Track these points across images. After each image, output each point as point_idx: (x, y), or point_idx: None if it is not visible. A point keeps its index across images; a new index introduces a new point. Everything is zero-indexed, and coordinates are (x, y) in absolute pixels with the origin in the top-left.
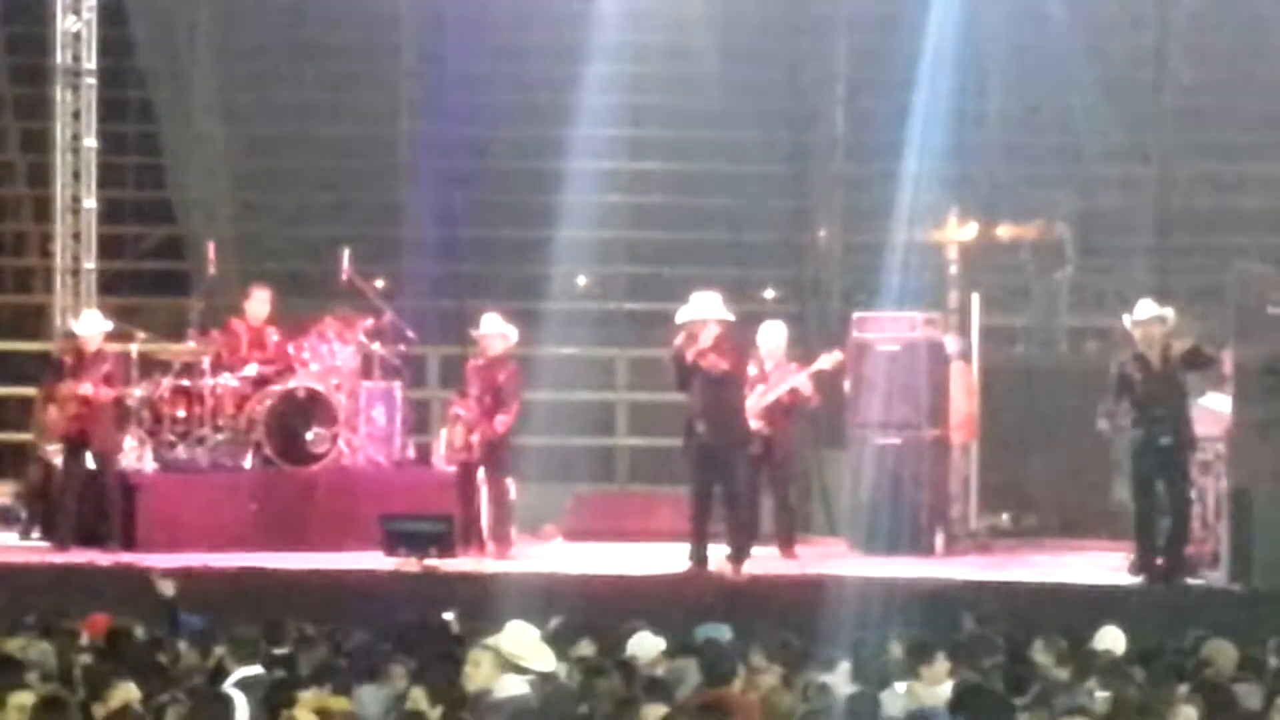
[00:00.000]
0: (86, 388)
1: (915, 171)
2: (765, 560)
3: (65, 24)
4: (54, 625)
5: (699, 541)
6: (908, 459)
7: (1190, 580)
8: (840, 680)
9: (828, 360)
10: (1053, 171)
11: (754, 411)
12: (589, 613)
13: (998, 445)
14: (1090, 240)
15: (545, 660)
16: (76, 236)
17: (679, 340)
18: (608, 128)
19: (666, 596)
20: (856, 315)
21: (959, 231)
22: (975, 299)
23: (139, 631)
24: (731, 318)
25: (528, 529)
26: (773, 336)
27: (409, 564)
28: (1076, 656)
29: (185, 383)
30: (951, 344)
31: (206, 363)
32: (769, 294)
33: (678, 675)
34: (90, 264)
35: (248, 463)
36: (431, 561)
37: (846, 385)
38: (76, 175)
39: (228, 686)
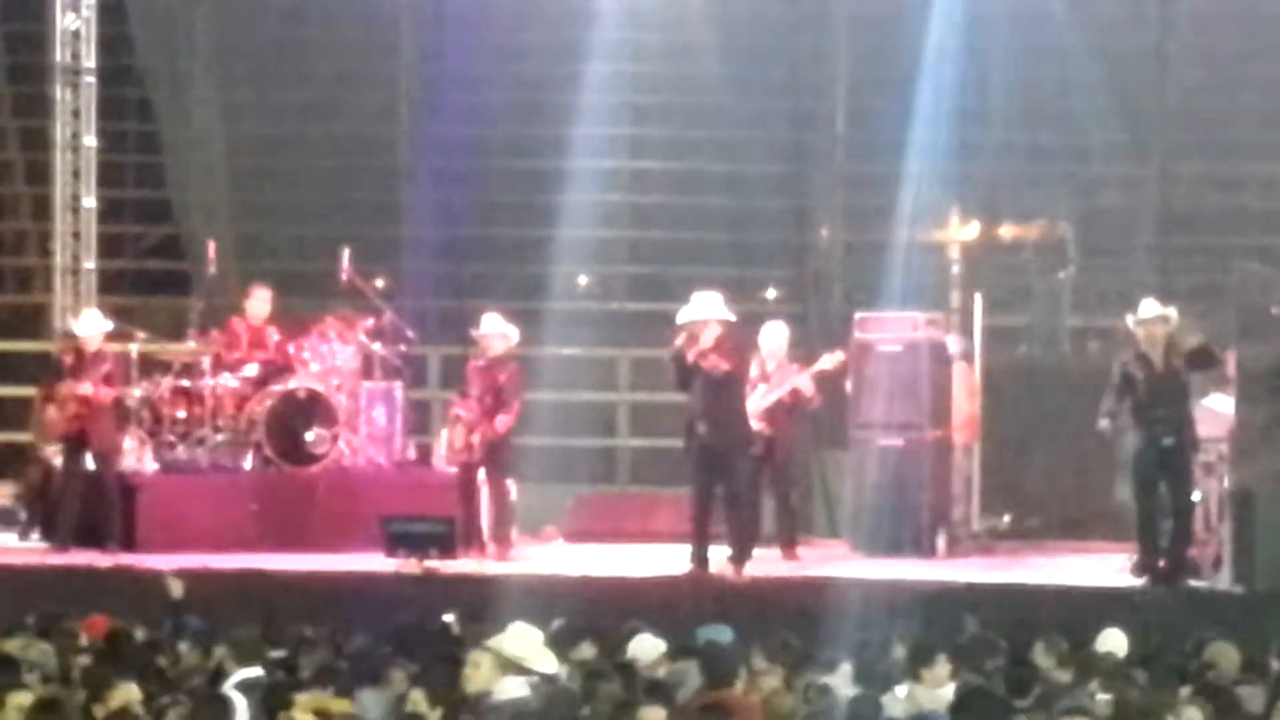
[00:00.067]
0: (86, 388)
1: (917, 171)
2: (767, 562)
3: (65, 22)
4: (53, 626)
5: (700, 543)
6: (910, 460)
7: (1193, 582)
8: (842, 682)
9: (829, 360)
10: (1055, 171)
11: (755, 412)
12: (590, 614)
13: (1000, 446)
14: (1092, 240)
15: (548, 662)
16: (76, 235)
17: (680, 341)
18: (608, 127)
19: (667, 598)
20: (858, 315)
21: (961, 231)
22: (977, 299)
23: (139, 633)
24: (733, 318)
25: (529, 530)
26: (774, 337)
27: (409, 565)
28: (1078, 659)
29: (185, 383)
30: (954, 344)
31: (206, 363)
32: (770, 294)
33: (678, 677)
34: (90, 263)
35: (248, 463)
36: (432, 563)
37: (848, 386)
38: (76, 174)
39: (227, 688)
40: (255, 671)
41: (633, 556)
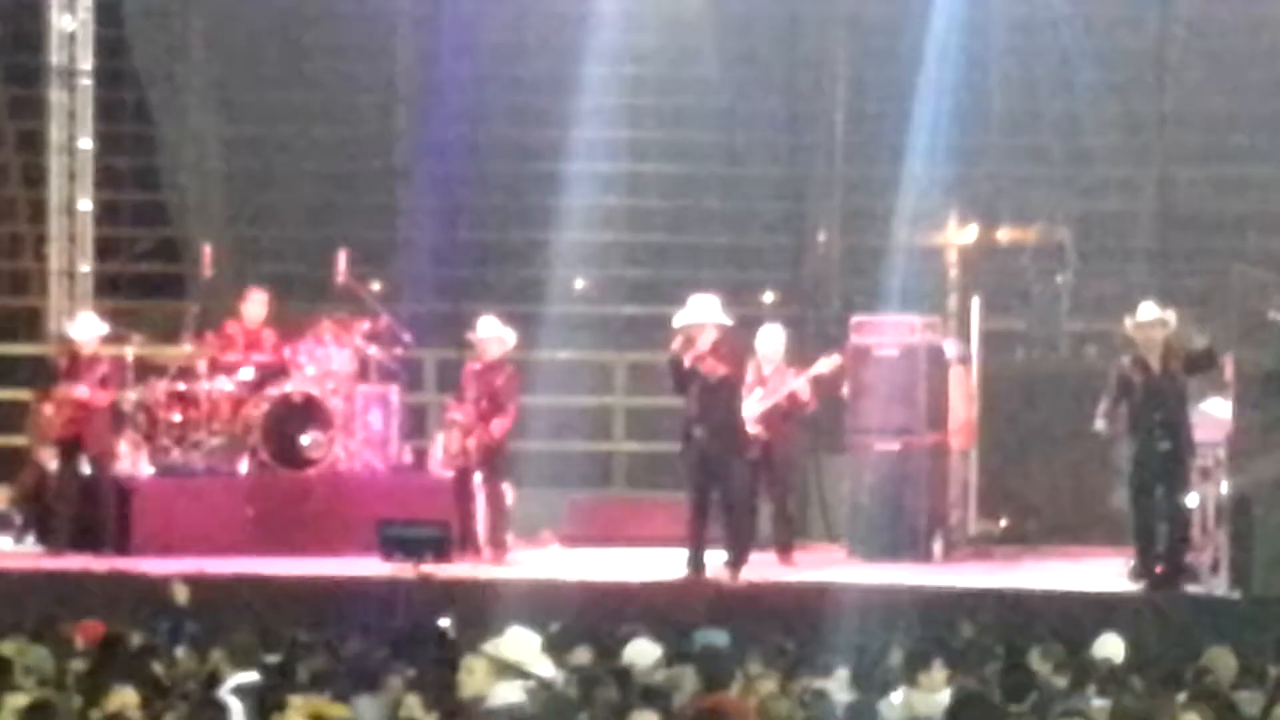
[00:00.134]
0: (82, 391)
1: (915, 174)
2: (763, 566)
3: (60, 24)
4: (48, 630)
5: (696, 547)
6: (906, 464)
7: (1190, 587)
8: (837, 687)
9: (826, 364)
10: (1053, 174)
11: (752, 416)
12: (586, 618)
13: (997, 450)
14: (1091, 244)
15: (545, 666)
16: (72, 238)
17: (676, 344)
18: (606, 129)
19: (664, 603)
20: (855, 319)
21: (959, 235)
22: (975, 303)
23: (135, 638)
24: (730, 322)
25: (525, 534)
26: (771, 341)
27: (405, 569)
28: (1075, 664)
29: (181, 386)
30: (951, 348)
31: (202, 366)
32: (768, 297)
33: (674, 682)
34: (85, 266)
35: (243, 467)
36: (428, 567)
37: (845, 390)
38: (72, 177)
39: (223, 692)
40: (251, 676)
41: (629, 561)
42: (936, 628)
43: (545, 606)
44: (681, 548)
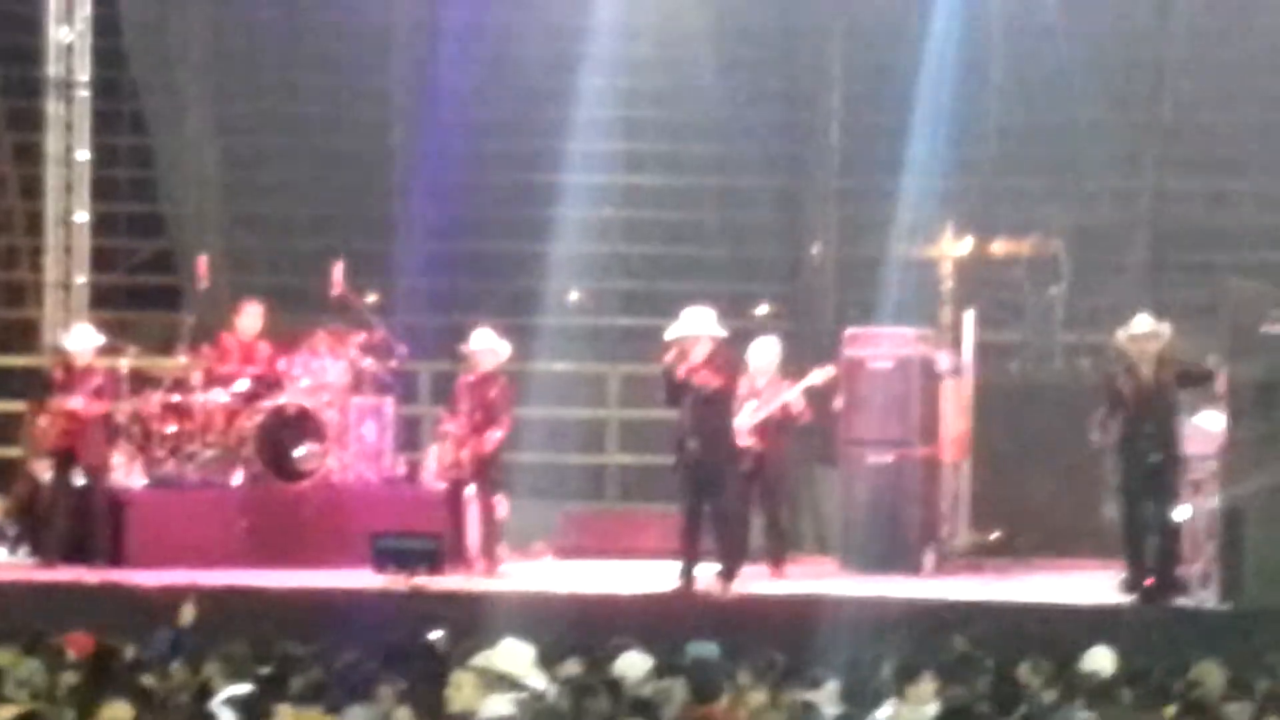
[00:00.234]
0: (76, 402)
1: (910, 187)
2: (755, 579)
3: (57, 35)
4: (41, 642)
5: (689, 559)
6: (899, 477)
7: (1181, 600)
8: (827, 699)
9: (819, 375)
10: (1048, 187)
11: (746, 429)
12: (578, 631)
13: (991, 463)
14: (1085, 256)
15: (538, 678)
16: (68, 250)
17: (670, 356)
18: (601, 141)
19: (656, 615)
20: (849, 331)
21: (953, 247)
22: (969, 315)
23: (129, 650)
24: (723, 334)
25: (518, 546)
26: (765, 353)
27: (398, 581)
28: (1064, 677)
29: (175, 398)
30: (945, 360)
31: (197, 378)
32: (762, 309)
33: (665, 694)
34: (81, 278)
35: (237, 479)
36: (420, 579)
37: (838, 402)
38: (68, 188)
39: (215, 705)
40: (244, 688)
41: (621, 573)
42: (927, 640)
43: (538, 619)
44: (674, 560)
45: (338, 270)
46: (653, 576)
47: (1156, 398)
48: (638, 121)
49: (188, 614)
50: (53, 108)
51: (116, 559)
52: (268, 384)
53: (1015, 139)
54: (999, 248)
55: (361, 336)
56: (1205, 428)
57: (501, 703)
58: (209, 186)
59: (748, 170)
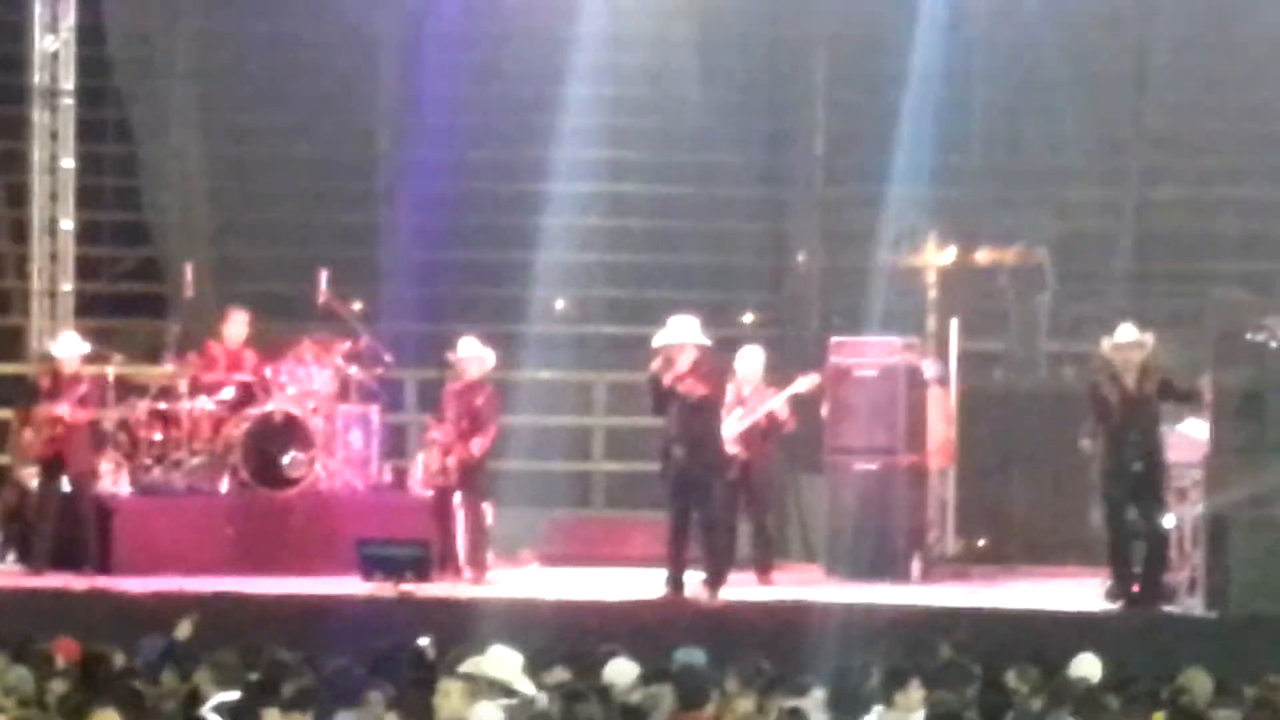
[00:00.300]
0: (63, 410)
1: (894, 195)
2: (741, 586)
3: (43, 44)
4: (29, 650)
5: (675, 567)
6: (885, 484)
7: (1167, 608)
8: (814, 706)
9: (805, 383)
10: (1032, 196)
11: (731, 436)
12: (565, 638)
13: (976, 471)
14: (1070, 265)
15: (526, 685)
16: (53, 258)
17: (656, 364)
18: (587, 150)
19: (643, 622)
20: (834, 340)
21: (938, 256)
22: (953, 324)
23: (118, 658)
24: (709, 342)
25: (504, 554)
26: (750, 361)
27: (385, 589)
28: (1051, 684)
29: (162, 405)
30: (929, 369)
31: (183, 385)
32: (747, 318)
33: (652, 701)
34: (67, 286)
35: (224, 486)
36: (407, 586)
37: (824, 410)
38: (54, 196)
39: (205, 712)
40: (233, 696)
41: (608, 580)
42: (914, 647)
43: (524, 626)
44: (660, 567)
45: (323, 278)
46: (639, 584)
47: (1140, 407)
48: (624, 130)
49: (185, 628)
50: (38, 116)
51: (104, 566)
52: (254, 392)
53: (999, 148)
54: (983, 256)
55: (347, 344)
56: (1190, 436)
57: (490, 709)
58: (195, 195)
59: (733, 179)
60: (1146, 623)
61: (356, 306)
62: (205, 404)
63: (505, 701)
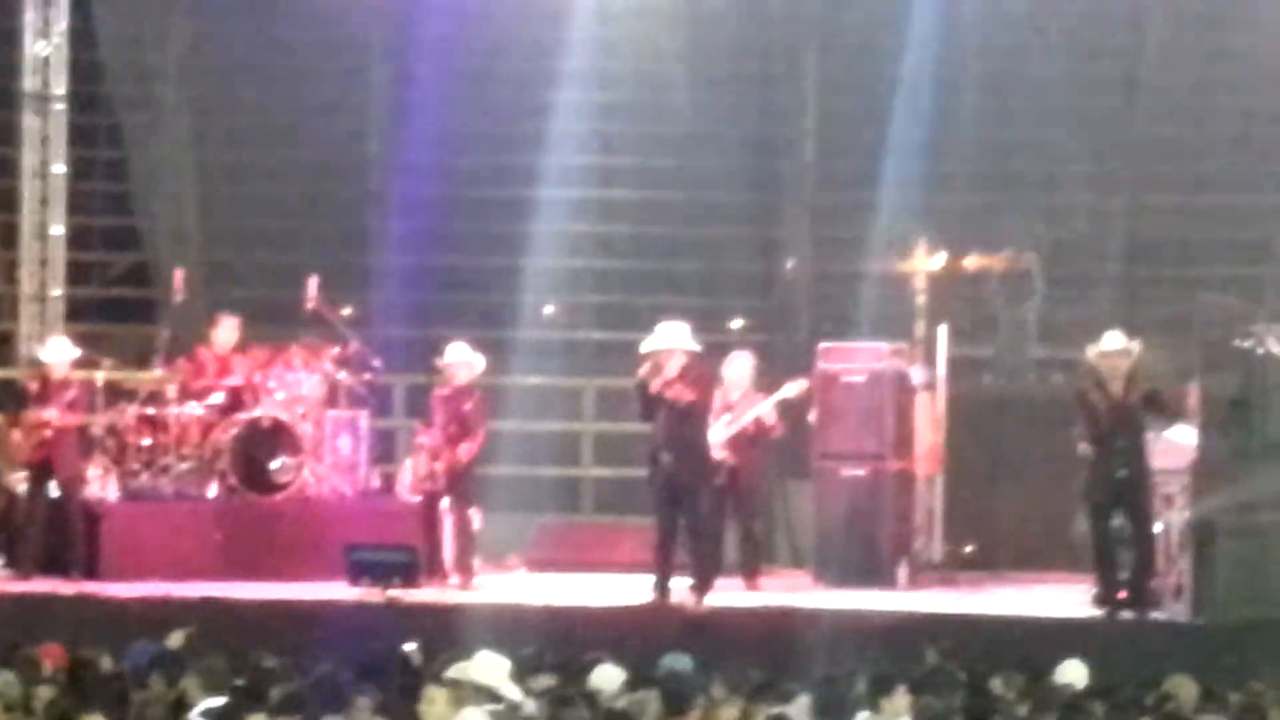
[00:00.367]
0: (51, 414)
1: (884, 201)
2: (728, 592)
3: (34, 49)
4: (16, 655)
5: (663, 573)
6: (873, 490)
7: (1153, 614)
8: (799, 712)
9: (792, 388)
10: (1021, 202)
11: (719, 442)
12: (552, 643)
13: (964, 477)
14: (1059, 271)
15: (513, 690)
16: (43, 263)
17: (644, 370)
18: (577, 155)
19: (629, 628)
20: (823, 345)
21: (927, 262)
22: (942, 330)
23: (105, 662)
24: (697, 348)
25: (492, 559)
26: (739, 367)
27: (372, 594)
28: (1037, 690)
29: (151, 411)
30: (918, 375)
31: (172, 391)
32: (736, 324)
33: (638, 707)
34: (57, 291)
35: (212, 492)
36: (395, 592)
37: (812, 415)
38: (44, 201)
39: (192, 716)
40: (220, 701)
41: (596, 586)
42: (900, 653)
43: (512, 631)
44: (648, 573)
45: (313, 284)
46: (627, 589)
47: (1126, 414)
48: (613, 136)
49: (177, 637)
50: (29, 121)
51: (92, 571)
52: (243, 397)
53: (989, 155)
54: (972, 263)
55: (336, 350)
56: (1177, 442)
57: (476, 715)
58: (185, 200)
59: (722, 185)
60: (1132, 629)
61: (345, 312)
62: (194, 409)
63: (492, 707)
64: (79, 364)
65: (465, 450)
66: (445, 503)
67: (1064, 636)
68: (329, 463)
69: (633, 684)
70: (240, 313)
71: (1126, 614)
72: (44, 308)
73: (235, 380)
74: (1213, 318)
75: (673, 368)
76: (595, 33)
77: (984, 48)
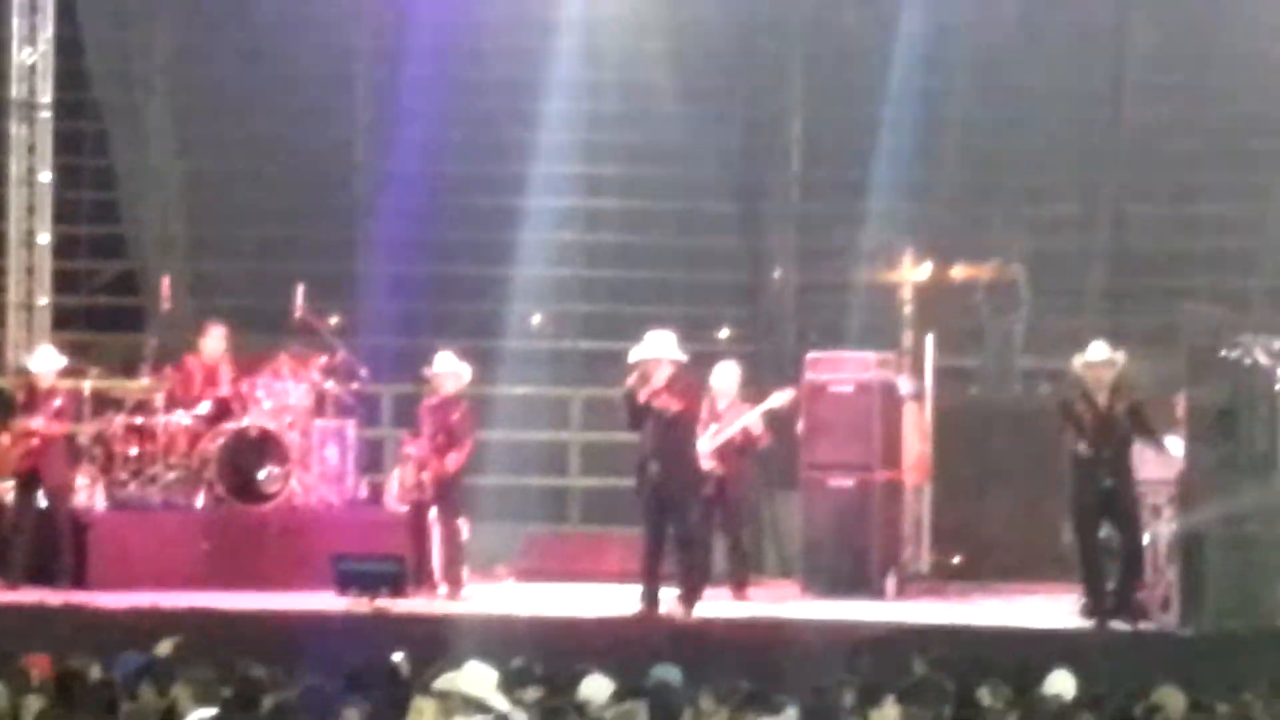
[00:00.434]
0: (38, 423)
1: (871, 211)
2: (717, 602)
3: (20, 56)
4: (4, 665)
5: (651, 583)
6: (860, 501)
7: (1141, 624)
8: None
9: (779, 398)
10: (1007, 212)
11: (707, 452)
12: (540, 654)
13: (951, 487)
14: (1045, 281)
15: (502, 701)
16: (30, 271)
17: (631, 380)
18: (564, 165)
19: (617, 638)
20: (810, 355)
21: (913, 272)
22: (929, 340)
23: (94, 671)
24: (685, 358)
25: (480, 569)
26: (726, 377)
27: (360, 604)
28: (1025, 701)
29: (138, 420)
30: (905, 385)
31: (160, 400)
32: (723, 333)
33: (627, 718)
34: (44, 299)
35: (199, 501)
36: (383, 602)
37: (799, 426)
38: (31, 209)
39: None
40: (210, 712)
41: (583, 596)
42: (889, 664)
43: (500, 642)
44: (636, 583)
45: (300, 293)
46: (615, 600)
47: (1112, 424)
48: (600, 146)
49: (165, 647)
50: (15, 129)
51: (79, 581)
52: (230, 406)
53: (975, 165)
54: (959, 273)
55: (324, 359)
56: (1165, 452)
57: None
58: (172, 208)
59: (709, 195)
60: (1120, 640)
61: (333, 321)
62: (181, 418)
63: (480, 718)
64: (66, 373)
65: (453, 460)
66: (433, 513)
67: (1052, 647)
68: (316, 472)
69: (621, 695)
70: (227, 321)
71: (1115, 625)
72: (30, 316)
73: (222, 389)
74: (1199, 328)
75: (660, 377)
76: (582, 42)
77: (969, 58)
